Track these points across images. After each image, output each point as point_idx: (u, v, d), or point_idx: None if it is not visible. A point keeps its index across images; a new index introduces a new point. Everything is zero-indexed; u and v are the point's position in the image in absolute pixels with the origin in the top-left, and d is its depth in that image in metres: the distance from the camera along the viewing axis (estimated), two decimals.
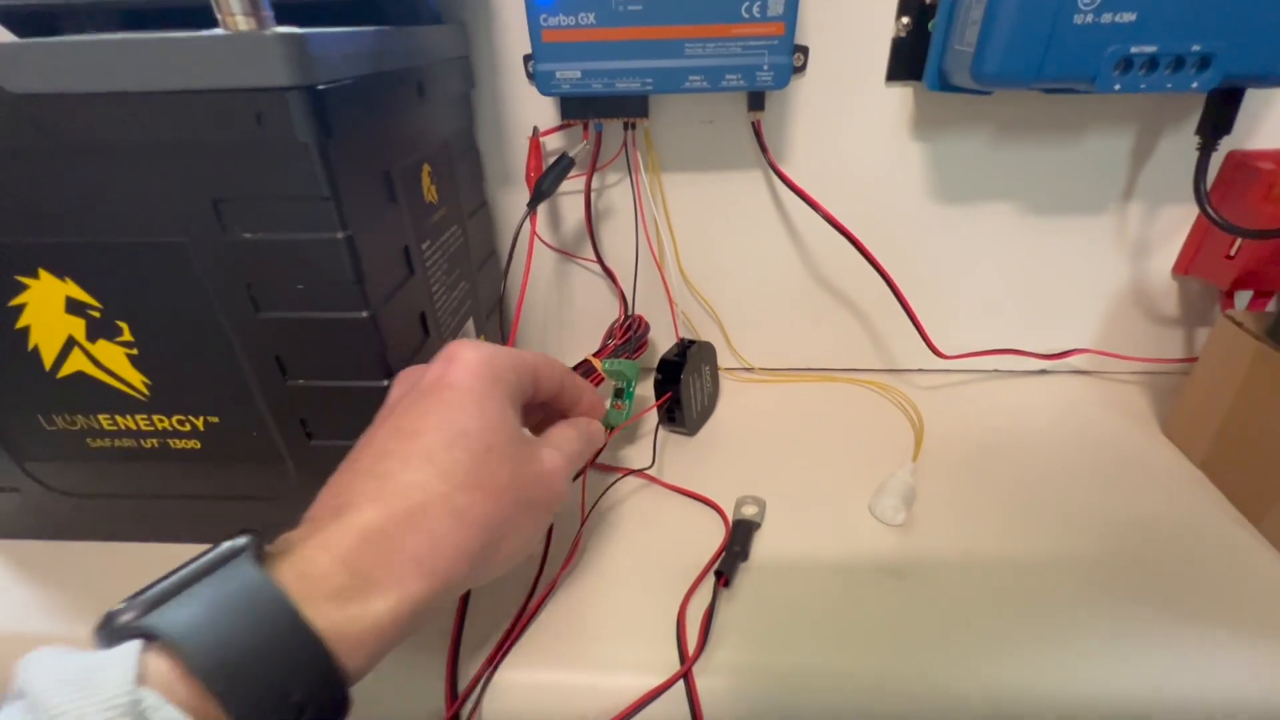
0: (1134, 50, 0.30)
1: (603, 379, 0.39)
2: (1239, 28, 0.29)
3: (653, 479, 0.39)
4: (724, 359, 0.49)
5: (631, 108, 0.39)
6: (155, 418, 0.31)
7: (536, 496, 0.25)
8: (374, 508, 0.21)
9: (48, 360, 0.29)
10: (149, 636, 0.17)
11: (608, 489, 0.38)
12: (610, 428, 0.35)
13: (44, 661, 0.16)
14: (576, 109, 0.39)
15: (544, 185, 0.39)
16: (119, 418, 0.31)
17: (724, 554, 0.33)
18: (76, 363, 0.29)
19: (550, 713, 0.28)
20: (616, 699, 0.27)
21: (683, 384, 0.40)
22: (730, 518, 0.35)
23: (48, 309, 0.28)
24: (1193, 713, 0.27)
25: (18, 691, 0.16)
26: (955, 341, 0.46)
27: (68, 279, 0.27)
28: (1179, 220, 0.42)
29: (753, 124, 0.40)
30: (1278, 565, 0.32)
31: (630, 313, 0.46)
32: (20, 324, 0.28)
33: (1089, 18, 0.29)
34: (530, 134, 0.41)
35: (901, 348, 0.49)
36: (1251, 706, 0.27)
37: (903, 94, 0.39)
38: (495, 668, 0.28)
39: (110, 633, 0.17)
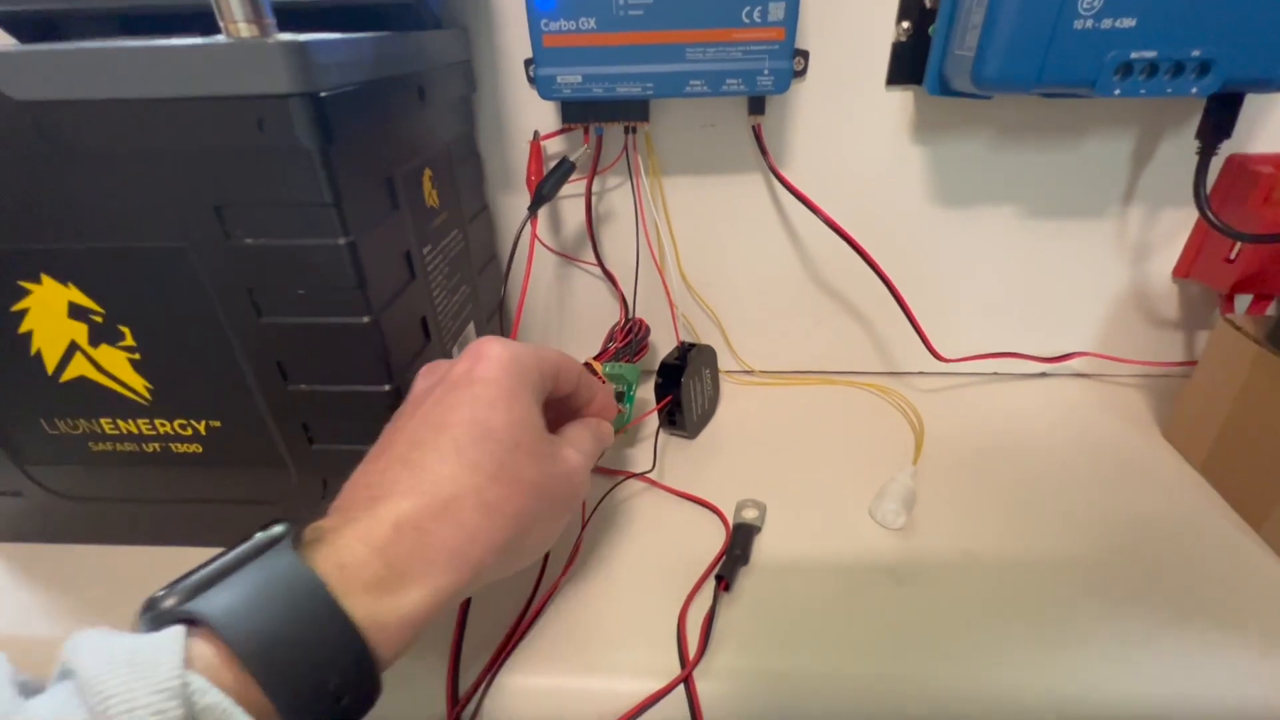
0: (1134, 56, 0.30)
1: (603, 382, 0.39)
2: (1239, 33, 0.29)
3: (653, 482, 0.39)
4: (725, 362, 0.49)
5: (632, 111, 0.39)
6: (157, 422, 0.31)
7: (559, 494, 0.26)
8: (407, 499, 0.21)
9: (50, 365, 0.29)
10: (192, 621, 0.17)
11: (608, 492, 0.38)
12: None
13: (93, 644, 0.16)
14: (577, 113, 0.39)
15: (545, 189, 0.39)
16: (121, 422, 0.31)
17: (724, 558, 0.33)
18: (79, 367, 0.30)
19: (551, 717, 0.28)
20: (617, 703, 0.27)
21: (683, 387, 0.40)
22: (731, 521, 0.35)
23: (50, 314, 0.28)
24: (1193, 716, 0.27)
25: (64, 671, 0.16)
26: (955, 344, 0.46)
27: (70, 284, 0.27)
28: (1179, 223, 0.42)
29: (753, 128, 0.40)
30: (1277, 569, 0.32)
31: (631, 316, 0.46)
32: (23, 329, 0.28)
33: (1089, 23, 0.29)
34: (531, 138, 0.41)
35: (902, 351, 0.49)
36: (1251, 710, 0.27)
37: (903, 98, 0.39)
38: (496, 672, 0.28)
39: (154, 617, 0.17)
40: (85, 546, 0.36)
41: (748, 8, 0.33)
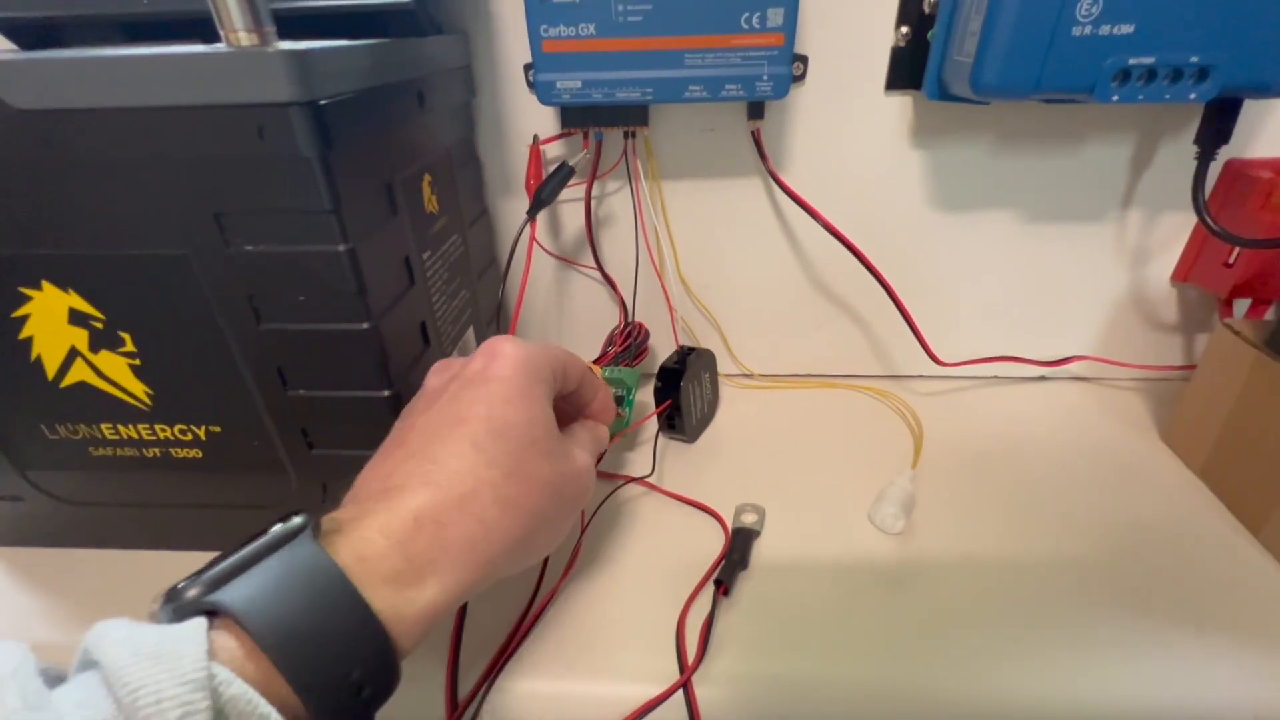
0: (1132, 62, 0.30)
1: None
2: (1237, 39, 0.29)
3: (652, 486, 0.39)
4: (724, 365, 0.49)
5: (631, 116, 0.39)
6: (157, 427, 0.31)
7: (569, 492, 0.26)
8: (426, 492, 0.21)
9: (50, 370, 0.30)
10: (214, 613, 0.17)
11: (608, 497, 0.38)
12: (610, 435, 0.35)
13: (117, 635, 0.16)
14: (577, 118, 0.39)
15: (544, 193, 0.39)
16: (121, 427, 0.31)
17: (723, 562, 0.33)
18: (79, 373, 0.30)
19: None
20: (616, 708, 0.27)
21: (682, 391, 0.40)
22: (730, 526, 0.36)
23: (51, 320, 0.28)
24: (1192, 718, 0.27)
25: (86, 662, 0.16)
26: (955, 348, 0.46)
27: (70, 290, 0.27)
28: (1178, 228, 0.42)
29: (752, 132, 0.40)
30: (1276, 573, 0.33)
31: (630, 320, 0.46)
32: (23, 335, 0.29)
33: (1087, 29, 0.29)
34: (530, 142, 0.41)
35: (901, 354, 0.49)
36: (1249, 713, 0.27)
37: (902, 103, 0.39)
38: (495, 677, 0.28)
39: (177, 609, 0.17)
40: (86, 551, 0.36)
41: (747, 13, 0.33)
